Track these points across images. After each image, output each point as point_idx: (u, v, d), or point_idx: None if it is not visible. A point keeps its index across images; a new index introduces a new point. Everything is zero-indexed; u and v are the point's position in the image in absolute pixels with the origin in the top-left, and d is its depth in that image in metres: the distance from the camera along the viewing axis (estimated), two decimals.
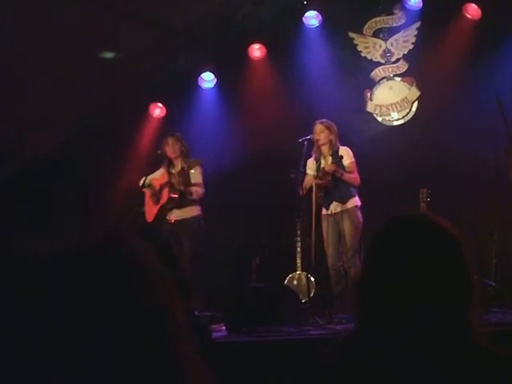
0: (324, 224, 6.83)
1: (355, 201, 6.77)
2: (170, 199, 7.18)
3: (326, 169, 6.74)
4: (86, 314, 0.72)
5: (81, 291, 0.72)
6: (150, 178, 7.39)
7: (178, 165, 7.29)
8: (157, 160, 7.49)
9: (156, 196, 7.33)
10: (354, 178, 6.79)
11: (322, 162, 6.89)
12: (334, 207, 6.78)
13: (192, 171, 7.13)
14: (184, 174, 7.13)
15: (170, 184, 7.16)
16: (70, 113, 9.06)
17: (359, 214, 6.75)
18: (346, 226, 6.69)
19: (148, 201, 7.42)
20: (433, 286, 1.51)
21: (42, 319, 0.71)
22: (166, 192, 7.24)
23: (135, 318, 0.74)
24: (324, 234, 6.83)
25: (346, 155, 6.81)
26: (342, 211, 6.74)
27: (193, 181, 7.16)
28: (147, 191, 7.38)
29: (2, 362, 0.70)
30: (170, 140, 7.30)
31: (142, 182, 7.37)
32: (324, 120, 6.91)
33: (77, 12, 7.29)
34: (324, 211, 6.84)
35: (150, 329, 0.74)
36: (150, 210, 7.36)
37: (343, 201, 6.74)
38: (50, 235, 0.78)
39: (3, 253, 0.75)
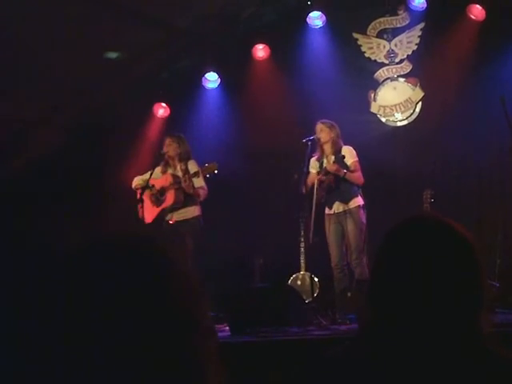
0: (326, 223, 6.82)
1: (358, 200, 6.74)
2: (176, 202, 7.11)
3: (328, 168, 6.74)
4: (112, 310, 0.73)
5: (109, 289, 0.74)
6: (146, 177, 7.18)
7: (177, 166, 7.22)
8: (160, 160, 7.42)
9: (157, 197, 7.24)
10: (357, 176, 6.76)
11: (325, 161, 6.88)
12: (337, 207, 6.77)
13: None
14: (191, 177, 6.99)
15: (177, 186, 7.05)
16: (72, 112, 9.07)
17: (362, 213, 6.72)
18: (350, 226, 6.68)
19: (147, 202, 7.30)
20: (445, 287, 1.50)
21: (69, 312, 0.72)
22: (170, 194, 7.16)
23: (161, 318, 0.74)
24: (326, 233, 6.82)
25: (349, 154, 6.81)
26: (345, 211, 6.73)
27: (196, 185, 7.09)
28: (147, 192, 7.25)
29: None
30: (168, 140, 7.28)
31: (142, 183, 7.22)
32: (325, 120, 6.92)
33: (80, 10, 7.29)
34: (327, 210, 6.83)
35: (174, 330, 0.75)
36: (150, 211, 7.24)
37: (346, 200, 6.73)
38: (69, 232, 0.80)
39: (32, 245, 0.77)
